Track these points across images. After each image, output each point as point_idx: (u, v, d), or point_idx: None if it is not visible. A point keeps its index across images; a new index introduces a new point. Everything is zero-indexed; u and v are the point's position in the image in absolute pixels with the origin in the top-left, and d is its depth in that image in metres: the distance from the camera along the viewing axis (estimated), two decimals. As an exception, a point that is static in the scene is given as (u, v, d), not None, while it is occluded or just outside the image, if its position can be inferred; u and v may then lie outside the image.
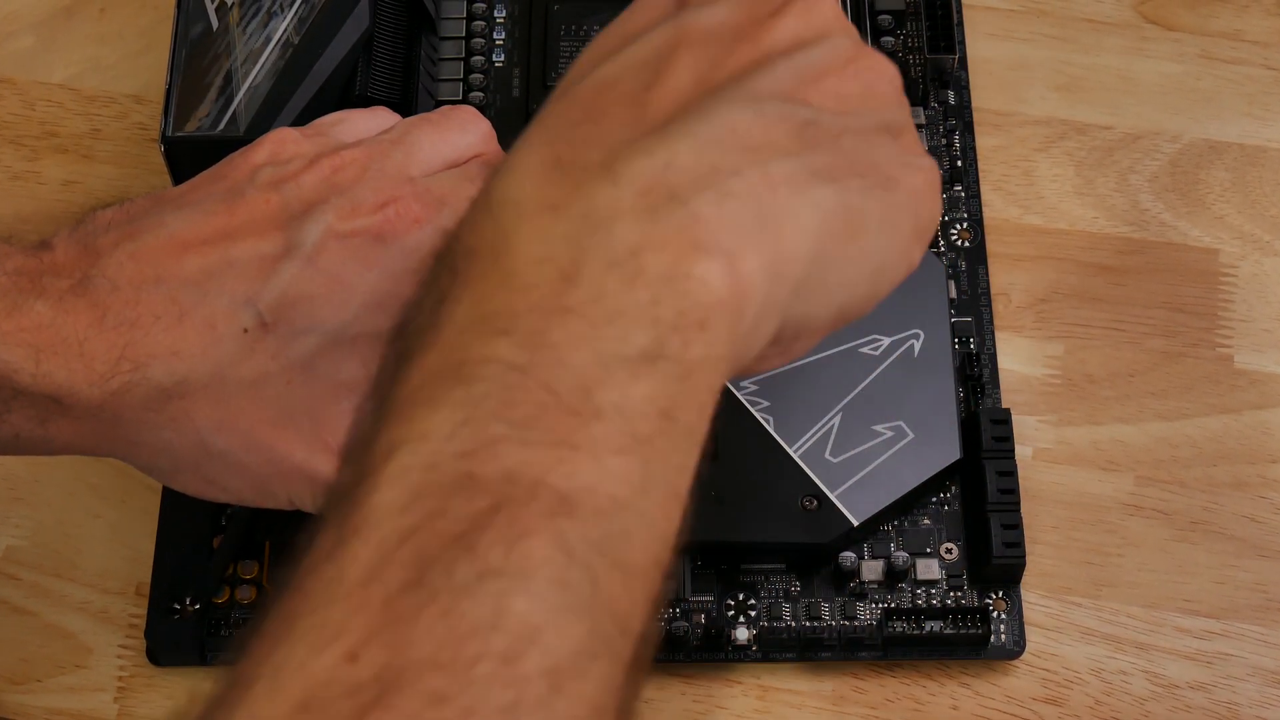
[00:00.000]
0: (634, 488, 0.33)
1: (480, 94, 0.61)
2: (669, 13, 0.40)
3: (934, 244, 0.59)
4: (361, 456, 0.33)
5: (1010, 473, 0.53)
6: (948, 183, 0.60)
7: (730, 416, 0.53)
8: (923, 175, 0.40)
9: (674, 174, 0.35)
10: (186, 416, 0.43)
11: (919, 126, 0.60)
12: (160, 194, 0.46)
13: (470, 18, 0.63)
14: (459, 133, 0.47)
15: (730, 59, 0.39)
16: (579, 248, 0.34)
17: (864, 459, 0.53)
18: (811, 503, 0.52)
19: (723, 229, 0.35)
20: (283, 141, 0.46)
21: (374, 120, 0.48)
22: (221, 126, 0.54)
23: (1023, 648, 0.53)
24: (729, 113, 0.37)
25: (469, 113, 0.48)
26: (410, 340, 0.35)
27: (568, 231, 0.35)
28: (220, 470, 0.44)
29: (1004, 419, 0.54)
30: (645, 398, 0.33)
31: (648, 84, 0.38)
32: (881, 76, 0.41)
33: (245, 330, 0.42)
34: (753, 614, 0.53)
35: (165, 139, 0.54)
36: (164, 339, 0.42)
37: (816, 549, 0.53)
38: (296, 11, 0.56)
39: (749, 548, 0.53)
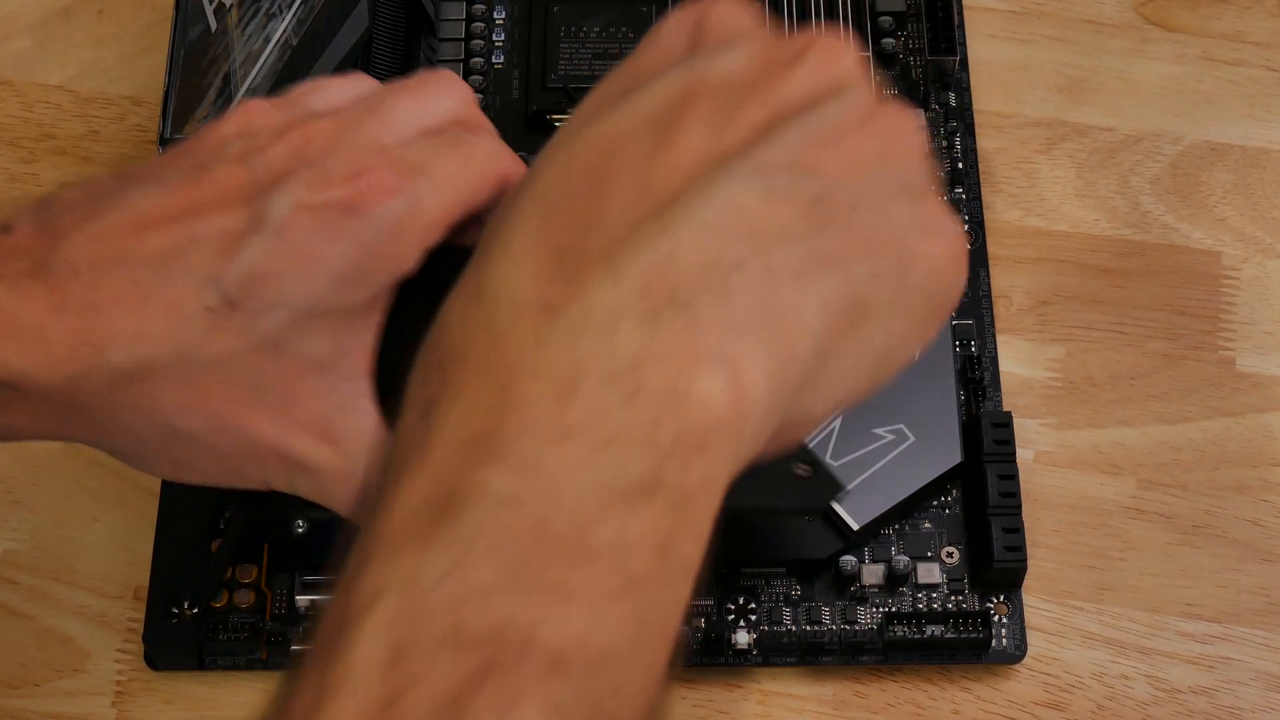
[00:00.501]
0: (627, 636, 0.32)
1: (480, 95, 0.61)
2: (682, 55, 0.39)
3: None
4: (344, 597, 0.32)
5: (1011, 476, 0.53)
6: (948, 184, 0.60)
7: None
8: (943, 243, 0.38)
9: (677, 270, 0.34)
10: (150, 400, 0.42)
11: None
12: (126, 170, 0.44)
13: (469, 19, 0.63)
14: (437, 98, 0.45)
15: (743, 116, 0.37)
16: (578, 358, 0.33)
17: (865, 463, 0.53)
18: (805, 470, 0.51)
19: (725, 334, 0.33)
20: (251, 113, 0.44)
21: (349, 87, 0.46)
22: (220, 128, 0.54)
23: (1024, 652, 0.52)
24: (736, 191, 0.35)
25: (448, 77, 0.46)
26: (396, 452, 0.34)
27: (565, 338, 0.33)
28: (189, 452, 0.43)
29: (1005, 422, 0.53)
30: (642, 533, 0.32)
31: (656, 147, 0.36)
32: (902, 133, 0.39)
33: (210, 309, 0.41)
34: (753, 618, 0.53)
35: (164, 141, 0.54)
36: (126, 322, 0.41)
37: (816, 562, 0.53)
38: (295, 13, 0.56)
39: (748, 559, 0.53)
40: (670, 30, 0.40)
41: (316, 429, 0.42)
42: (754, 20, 0.40)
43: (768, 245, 0.35)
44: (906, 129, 0.39)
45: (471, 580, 0.31)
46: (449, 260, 0.44)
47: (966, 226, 0.59)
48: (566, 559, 0.31)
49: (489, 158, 0.44)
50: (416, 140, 0.44)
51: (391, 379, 0.44)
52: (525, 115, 0.61)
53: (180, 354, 0.41)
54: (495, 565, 0.31)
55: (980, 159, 0.61)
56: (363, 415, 0.42)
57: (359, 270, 0.41)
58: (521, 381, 0.33)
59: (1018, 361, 0.58)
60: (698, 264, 0.34)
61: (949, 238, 0.38)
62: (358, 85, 0.46)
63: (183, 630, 0.52)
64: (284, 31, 0.56)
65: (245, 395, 0.41)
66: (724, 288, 0.34)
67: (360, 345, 0.42)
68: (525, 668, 0.30)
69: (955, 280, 0.39)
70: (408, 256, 0.42)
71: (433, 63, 0.61)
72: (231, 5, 0.57)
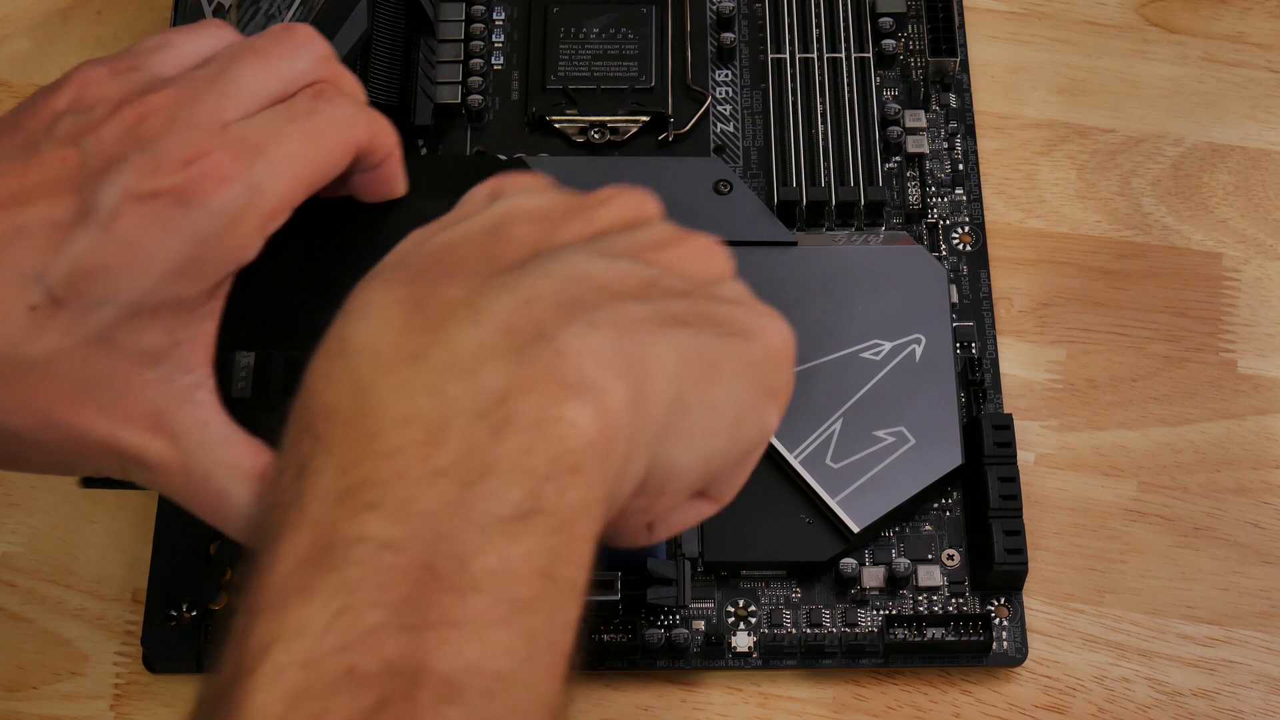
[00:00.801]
0: (518, 659, 0.32)
1: (479, 97, 0.61)
2: (490, 204, 0.41)
3: (935, 248, 0.58)
4: (235, 654, 0.32)
5: (1012, 478, 0.53)
6: (950, 186, 0.60)
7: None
8: (777, 333, 0.40)
9: (537, 308, 0.35)
10: None
11: (920, 130, 0.60)
12: None
13: (469, 20, 0.63)
14: (288, 60, 0.43)
15: (564, 229, 0.39)
16: (444, 400, 0.34)
17: (865, 465, 0.52)
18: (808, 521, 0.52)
19: (589, 363, 0.34)
20: (87, 82, 0.42)
21: (197, 43, 0.43)
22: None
23: (1025, 655, 0.52)
24: (580, 260, 0.37)
25: (302, 34, 0.43)
26: (273, 516, 0.34)
27: (431, 382, 0.34)
28: (20, 448, 0.41)
29: (1006, 424, 0.53)
30: (523, 558, 0.33)
31: (493, 240, 0.38)
32: (715, 256, 0.41)
33: (34, 307, 0.39)
34: (753, 621, 0.53)
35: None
36: None
37: (817, 564, 0.52)
38: (294, 14, 0.55)
39: (748, 565, 0.53)
40: (476, 193, 0.41)
41: (150, 423, 0.41)
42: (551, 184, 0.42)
43: (619, 298, 0.36)
44: (720, 253, 0.41)
45: (359, 623, 0.31)
46: (315, 213, 0.43)
47: (968, 228, 0.59)
48: (452, 592, 0.32)
49: (340, 128, 0.42)
50: (261, 112, 0.42)
51: (258, 332, 0.43)
52: (525, 117, 0.61)
53: (3, 354, 0.40)
54: (381, 606, 0.32)
55: (981, 160, 0.60)
56: (201, 406, 0.41)
57: (193, 263, 0.40)
58: (391, 429, 0.33)
59: (1018, 363, 0.57)
60: (557, 304, 0.35)
61: (782, 330, 0.40)
62: (207, 40, 0.44)
63: (181, 633, 0.52)
64: (283, 33, 0.56)
65: (72, 393, 0.40)
66: (586, 323, 0.35)
67: (198, 336, 0.41)
68: (420, 699, 0.31)
69: (787, 370, 0.40)
70: (247, 246, 0.40)
71: (432, 63, 0.61)
72: (230, 6, 0.57)
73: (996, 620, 0.53)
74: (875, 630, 0.52)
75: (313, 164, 0.41)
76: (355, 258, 0.42)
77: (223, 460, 0.41)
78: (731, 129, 0.61)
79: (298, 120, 0.41)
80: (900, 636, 0.52)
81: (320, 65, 0.43)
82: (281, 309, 0.44)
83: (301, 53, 0.43)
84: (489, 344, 0.35)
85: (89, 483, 0.45)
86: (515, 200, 0.40)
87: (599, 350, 0.35)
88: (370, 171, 0.44)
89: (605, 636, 0.52)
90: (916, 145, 0.60)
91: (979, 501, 0.53)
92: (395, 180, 0.45)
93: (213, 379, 0.41)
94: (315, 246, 0.45)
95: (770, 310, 0.40)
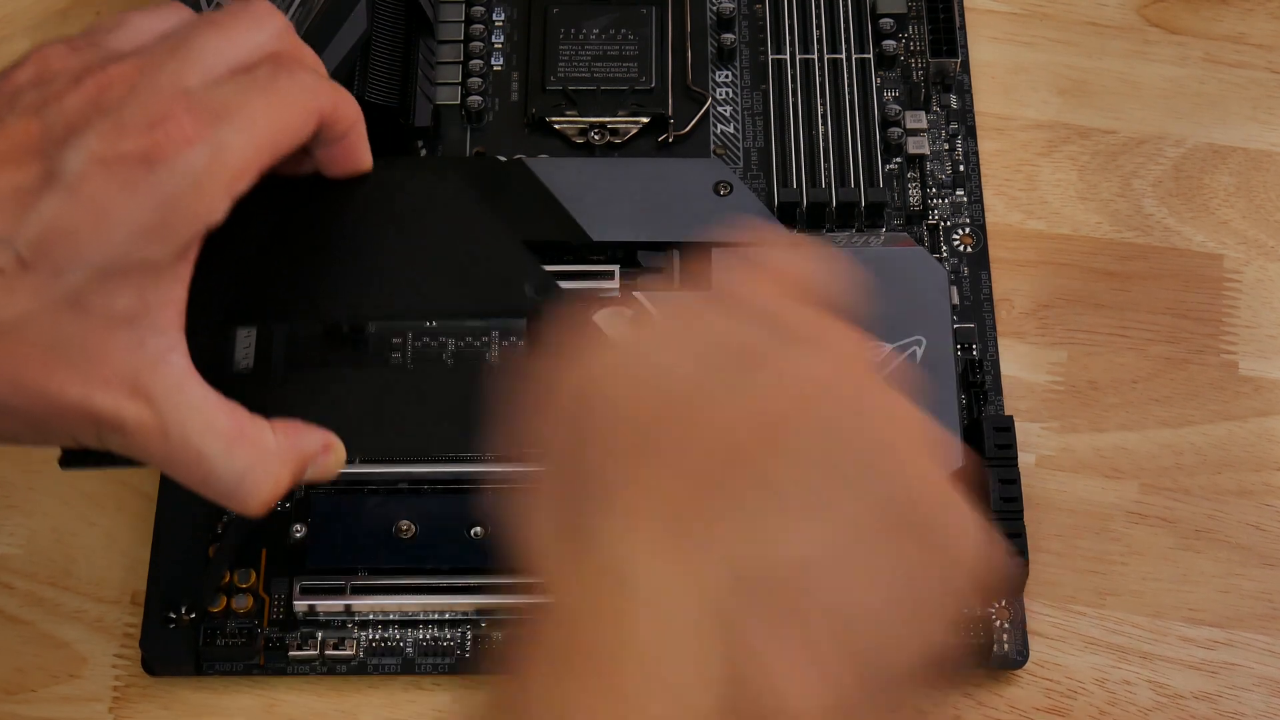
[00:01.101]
0: None
1: (479, 98, 0.61)
2: None
3: (936, 250, 0.58)
4: None
5: (1013, 480, 0.52)
6: (950, 187, 0.60)
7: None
8: None
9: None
10: None
11: (921, 131, 0.60)
12: None
13: (468, 21, 0.62)
14: (247, 31, 0.43)
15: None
16: None
17: (866, 467, 0.52)
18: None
19: None
20: (47, 58, 0.42)
21: (155, 21, 0.44)
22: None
23: (1026, 657, 0.52)
24: None
25: (260, 7, 0.44)
26: None
27: None
28: None
29: (1007, 426, 0.53)
30: None
31: None
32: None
33: (1, 271, 0.39)
34: (753, 623, 0.52)
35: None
36: None
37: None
38: (293, 14, 0.55)
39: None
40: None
41: (125, 385, 0.40)
42: None
43: None
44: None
45: None
46: (284, 191, 0.44)
47: (968, 229, 0.59)
48: None
49: (303, 94, 0.42)
50: (223, 81, 0.42)
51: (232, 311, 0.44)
52: (525, 118, 0.61)
53: None
54: None
55: (982, 161, 0.60)
56: (175, 369, 0.41)
57: (161, 224, 0.40)
58: None
59: (1019, 365, 0.57)
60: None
61: None
62: (165, 19, 0.44)
63: (180, 636, 0.52)
64: (282, 33, 0.56)
65: (45, 355, 0.40)
66: None
67: (168, 300, 0.41)
68: None
69: None
70: (214, 208, 0.41)
71: (431, 64, 0.61)
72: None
73: (997, 623, 0.52)
74: (876, 633, 0.52)
75: (276, 127, 0.42)
76: (324, 233, 0.42)
77: (200, 422, 0.41)
78: (732, 130, 0.61)
79: (260, 85, 0.42)
80: (901, 639, 0.52)
81: (280, 38, 0.44)
82: (252, 284, 0.45)
83: (261, 25, 0.43)
84: None
85: (68, 460, 0.44)
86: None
87: None
88: (335, 145, 0.45)
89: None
90: (917, 146, 0.60)
91: (980, 504, 0.53)
92: (360, 153, 0.45)
93: (185, 344, 0.41)
94: (284, 223, 0.45)
95: None
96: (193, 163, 0.40)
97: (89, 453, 0.43)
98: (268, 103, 0.41)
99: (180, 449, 0.41)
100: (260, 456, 0.42)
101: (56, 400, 0.40)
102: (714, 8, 0.63)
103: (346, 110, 0.44)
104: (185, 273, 0.41)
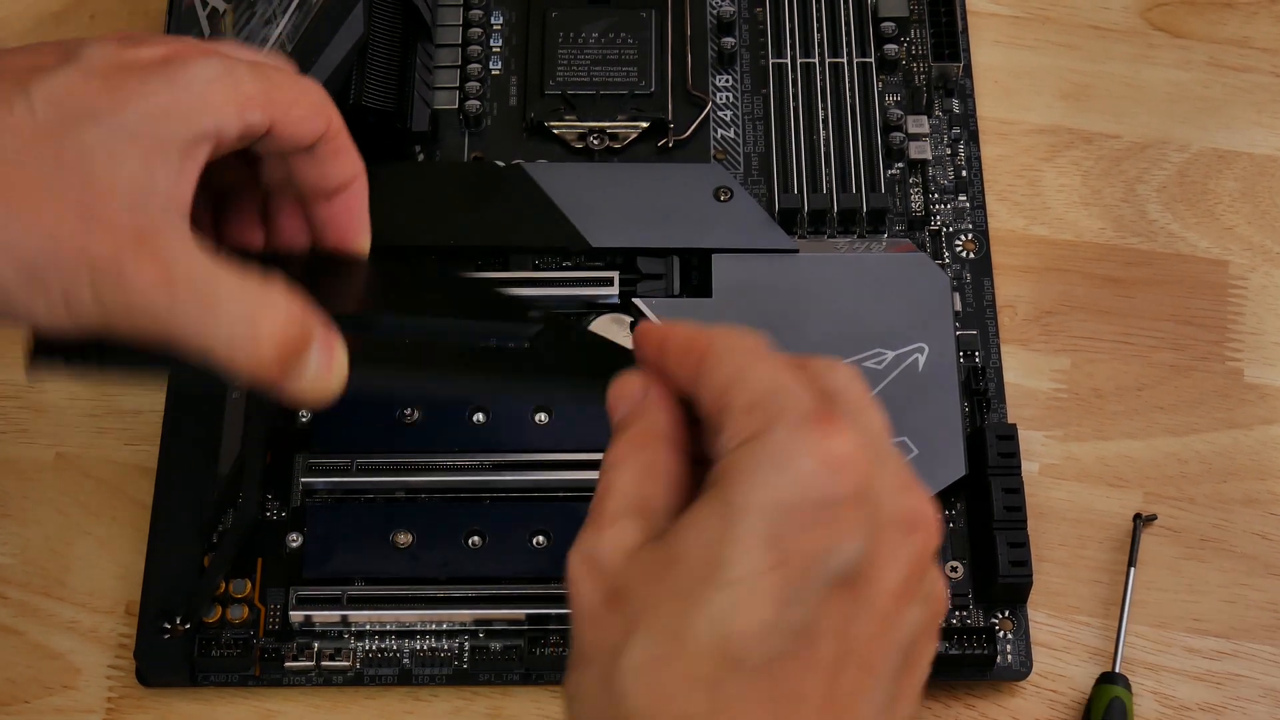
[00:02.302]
0: None
1: (477, 102, 0.60)
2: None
3: (939, 256, 0.58)
4: None
5: (1016, 489, 0.52)
6: (953, 192, 0.59)
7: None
8: None
9: None
10: None
11: (923, 136, 0.60)
12: None
13: (467, 25, 0.62)
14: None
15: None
16: None
17: (868, 476, 0.52)
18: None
19: None
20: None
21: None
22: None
23: (1030, 668, 0.52)
24: None
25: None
26: None
27: None
28: None
29: (1010, 434, 0.53)
30: None
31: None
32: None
33: (11, 111, 0.41)
34: (754, 634, 0.52)
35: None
36: None
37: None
38: (291, 18, 0.55)
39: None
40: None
41: (127, 234, 0.40)
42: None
43: None
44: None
45: None
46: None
47: (971, 235, 0.58)
48: None
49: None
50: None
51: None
52: (523, 123, 0.60)
53: None
54: None
55: (984, 166, 0.60)
56: (181, 230, 0.41)
57: (174, 105, 0.41)
58: None
59: (1022, 373, 0.57)
60: None
61: None
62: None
63: (175, 646, 0.51)
64: (278, 37, 0.55)
65: (42, 181, 0.40)
66: None
67: (175, 182, 0.41)
68: None
69: None
70: (224, 112, 0.42)
71: (429, 68, 0.60)
72: (225, 11, 0.57)
73: (1001, 633, 0.52)
74: (878, 643, 0.52)
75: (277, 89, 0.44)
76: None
77: (207, 268, 0.41)
78: (732, 135, 0.60)
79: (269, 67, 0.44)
80: (903, 650, 0.51)
81: None
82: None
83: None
84: None
85: (40, 350, 0.43)
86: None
87: None
88: (323, 199, 0.46)
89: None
90: (919, 151, 0.59)
91: (983, 513, 0.52)
92: (356, 218, 0.47)
93: (193, 234, 0.41)
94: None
95: None
96: (208, 68, 0.42)
97: (64, 345, 0.42)
98: (270, 70, 0.44)
99: (186, 293, 0.40)
100: (270, 301, 0.42)
101: (52, 230, 0.40)
102: (714, 11, 0.62)
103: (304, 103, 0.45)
104: (192, 171, 0.42)
